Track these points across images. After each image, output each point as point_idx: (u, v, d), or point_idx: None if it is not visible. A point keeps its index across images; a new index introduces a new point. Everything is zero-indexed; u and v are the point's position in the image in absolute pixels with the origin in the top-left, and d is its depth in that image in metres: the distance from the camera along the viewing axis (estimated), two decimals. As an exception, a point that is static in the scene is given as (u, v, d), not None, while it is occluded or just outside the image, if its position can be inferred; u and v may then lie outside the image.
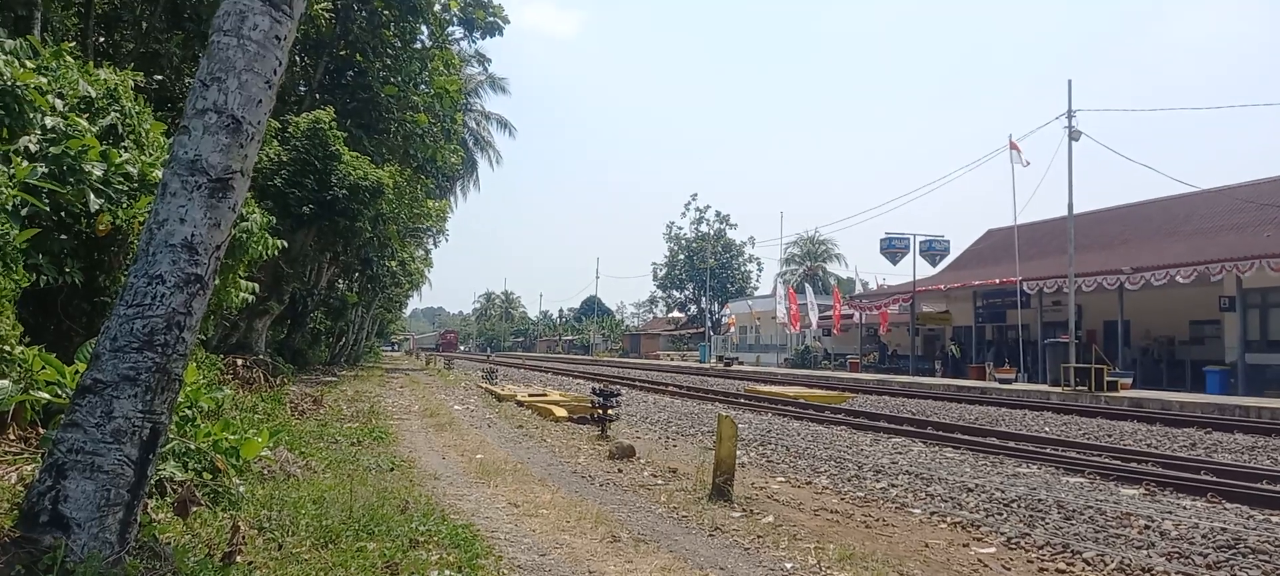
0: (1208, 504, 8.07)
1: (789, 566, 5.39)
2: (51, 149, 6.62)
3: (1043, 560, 6.23)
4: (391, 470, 8.28)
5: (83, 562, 3.42)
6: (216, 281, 5.42)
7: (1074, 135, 26.08)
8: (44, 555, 3.41)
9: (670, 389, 24.96)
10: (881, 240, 39.30)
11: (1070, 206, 26.51)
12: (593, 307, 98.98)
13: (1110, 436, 14.23)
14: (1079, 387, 22.95)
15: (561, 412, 15.11)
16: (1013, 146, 30.62)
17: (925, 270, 39.68)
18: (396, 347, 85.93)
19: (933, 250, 39.34)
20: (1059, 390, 23.66)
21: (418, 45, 24.09)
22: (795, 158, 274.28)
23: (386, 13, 22.68)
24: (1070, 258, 25.99)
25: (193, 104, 3.94)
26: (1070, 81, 26.47)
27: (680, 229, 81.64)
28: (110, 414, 3.64)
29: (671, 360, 60.13)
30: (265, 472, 6.72)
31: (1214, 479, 9.36)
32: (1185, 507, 7.81)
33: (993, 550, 6.52)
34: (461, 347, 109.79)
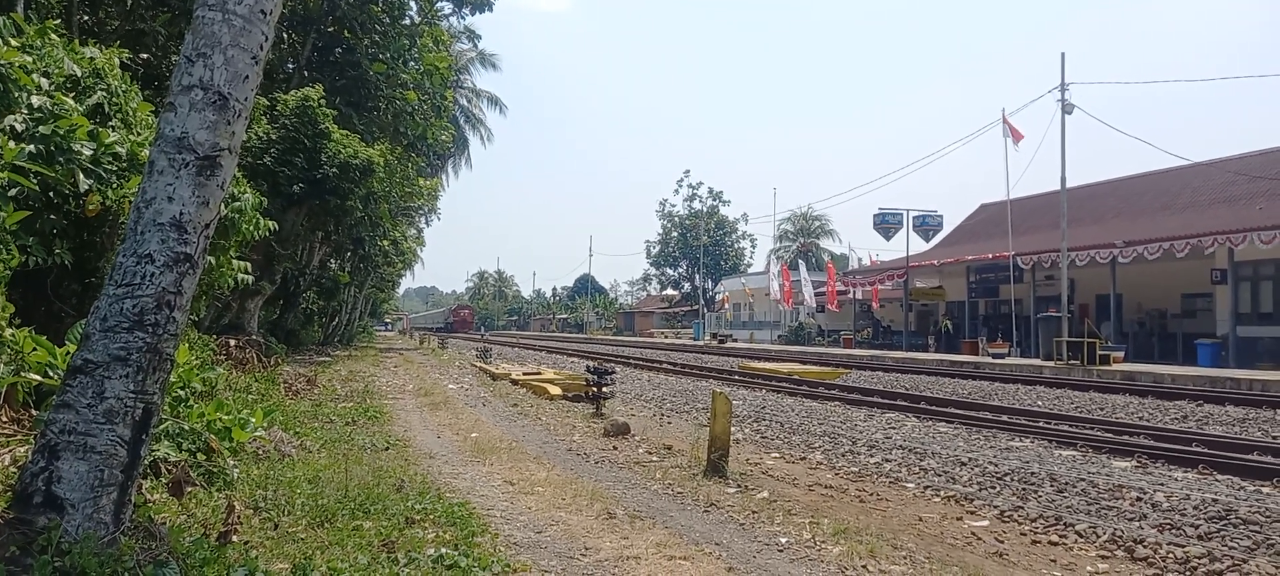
0: (1199, 475, 8.13)
1: (784, 541, 5.41)
2: (40, 128, 6.54)
3: (1036, 532, 6.27)
4: (386, 449, 8.28)
5: (77, 543, 3.40)
6: (209, 261, 5.37)
7: (1067, 108, 26.07)
8: (38, 536, 3.40)
9: (664, 366, 25.00)
10: (875, 216, 39.26)
11: (1063, 180, 26.54)
12: (586, 286, 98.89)
13: (1103, 409, 14.31)
14: (1072, 361, 23.06)
15: (556, 391, 15.13)
16: (1005, 121, 30.58)
17: (919, 245, 39.76)
18: (390, 327, 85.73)
19: (926, 226, 39.33)
20: (1052, 364, 23.77)
21: (406, 21, 23.87)
22: (789, 133, 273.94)
23: (374, -13, 22.46)
24: (1063, 232, 26.03)
25: (178, 80, 3.88)
26: (1063, 54, 26.50)
27: (673, 206, 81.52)
28: (102, 394, 3.62)
29: (666, 338, 60.23)
30: (260, 452, 6.71)
31: (1206, 451, 9.43)
32: (1177, 479, 7.86)
33: (986, 523, 6.56)
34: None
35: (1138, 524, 6.33)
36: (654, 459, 8.56)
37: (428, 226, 46.82)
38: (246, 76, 3.97)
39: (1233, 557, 5.52)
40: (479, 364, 23.92)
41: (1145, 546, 5.80)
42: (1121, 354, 25.16)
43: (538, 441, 9.52)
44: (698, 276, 74.30)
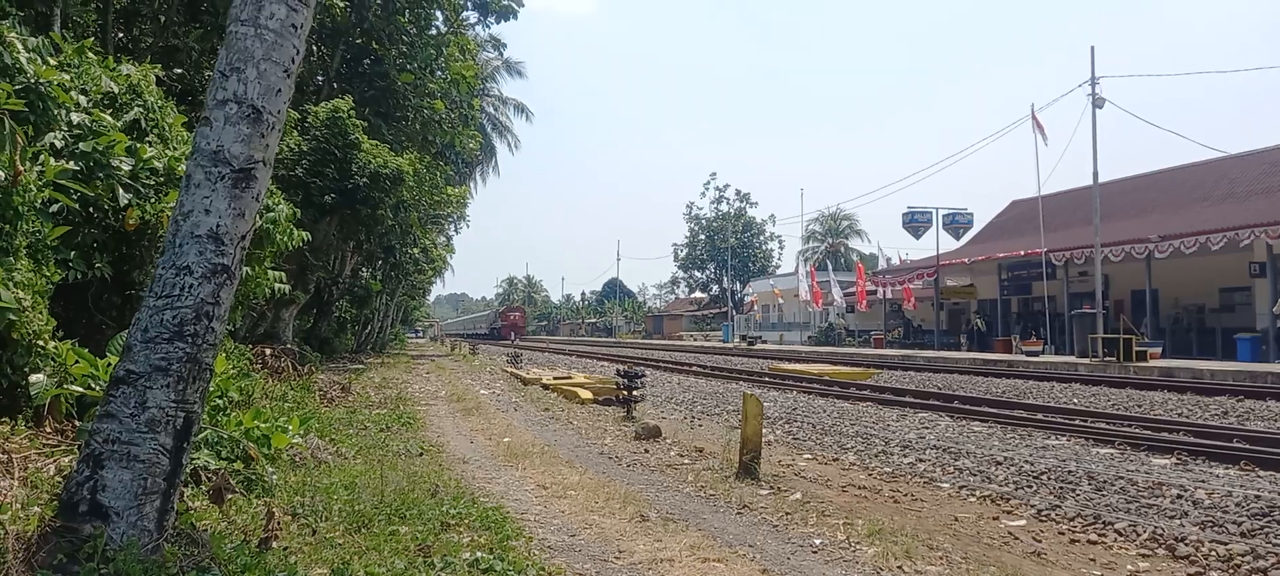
0: (1241, 472, 7.97)
1: (818, 542, 5.38)
2: (80, 145, 6.70)
3: (1074, 531, 6.19)
4: (421, 455, 8.35)
5: (122, 550, 3.48)
6: (245, 271, 5.46)
7: (1098, 102, 25.69)
8: (84, 543, 3.48)
9: (694, 369, 24.97)
10: (904, 214, 38.96)
11: (1095, 175, 26.16)
12: (614, 290, 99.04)
13: (1140, 406, 14.08)
14: (1107, 358, 22.69)
15: (587, 395, 15.16)
16: (1034, 117, 30.21)
17: (949, 244, 39.39)
18: (421, 333, 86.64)
19: (956, 223, 38.95)
20: (1087, 361, 23.41)
21: (433, 31, 24.08)
22: (816, 134, 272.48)
23: (400, -1, 22.68)
24: (1096, 227, 25.64)
25: (213, 95, 3.96)
26: (1093, 48, 26.09)
27: (700, 209, 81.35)
28: (144, 404, 3.69)
29: (694, 340, 60.17)
30: (297, 459, 6.80)
31: (1247, 447, 9.24)
32: (1218, 476, 7.72)
33: (1023, 522, 6.48)
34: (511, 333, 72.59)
35: (1178, 521, 6.23)
36: (686, 461, 8.55)
37: (457, 234, 47.18)
38: (279, 89, 4.04)
39: (1277, 554, 5.41)
40: (509, 369, 24.05)
41: (1187, 544, 5.70)
42: (1158, 350, 24.72)
43: (570, 445, 9.55)
44: (726, 278, 74.09)
